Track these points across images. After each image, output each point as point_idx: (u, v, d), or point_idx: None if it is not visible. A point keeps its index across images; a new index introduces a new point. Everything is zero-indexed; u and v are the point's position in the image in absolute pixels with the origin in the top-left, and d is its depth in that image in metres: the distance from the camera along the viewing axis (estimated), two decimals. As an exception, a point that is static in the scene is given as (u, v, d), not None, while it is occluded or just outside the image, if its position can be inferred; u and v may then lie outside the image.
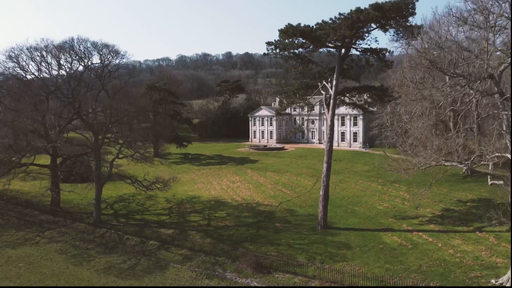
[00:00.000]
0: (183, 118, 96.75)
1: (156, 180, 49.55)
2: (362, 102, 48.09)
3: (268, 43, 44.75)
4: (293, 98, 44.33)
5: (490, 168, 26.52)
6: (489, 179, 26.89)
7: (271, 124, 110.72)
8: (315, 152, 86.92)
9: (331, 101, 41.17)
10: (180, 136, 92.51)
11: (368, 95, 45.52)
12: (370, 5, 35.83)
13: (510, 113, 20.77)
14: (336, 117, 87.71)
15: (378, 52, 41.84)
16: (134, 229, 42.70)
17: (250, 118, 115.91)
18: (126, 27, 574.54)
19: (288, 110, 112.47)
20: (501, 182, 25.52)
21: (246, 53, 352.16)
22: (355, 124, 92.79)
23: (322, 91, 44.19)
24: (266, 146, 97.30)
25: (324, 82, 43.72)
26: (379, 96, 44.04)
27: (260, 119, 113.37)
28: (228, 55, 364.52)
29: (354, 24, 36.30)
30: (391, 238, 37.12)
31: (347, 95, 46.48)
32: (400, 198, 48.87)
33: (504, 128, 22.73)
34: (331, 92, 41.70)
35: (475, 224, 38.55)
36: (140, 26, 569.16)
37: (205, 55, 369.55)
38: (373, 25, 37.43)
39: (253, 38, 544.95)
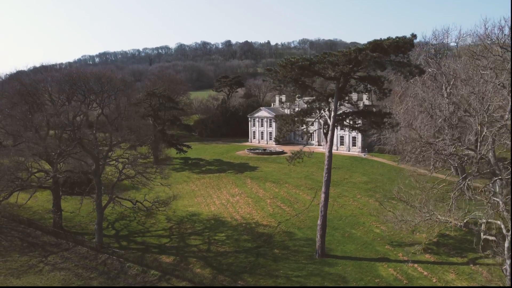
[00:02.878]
0: (183, 124, 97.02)
1: (157, 200, 50.33)
2: (360, 125, 48.44)
3: (268, 70, 45.07)
4: (291, 125, 44.60)
5: (483, 227, 27.11)
6: (482, 234, 27.50)
7: (270, 126, 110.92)
8: (314, 158, 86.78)
9: (329, 132, 41.50)
10: (180, 141, 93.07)
11: (365, 121, 45.83)
12: (369, 43, 35.93)
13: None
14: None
15: (377, 80, 41.95)
16: (135, 255, 43.54)
17: (249, 119, 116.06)
18: (125, 15, 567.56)
19: (287, 111, 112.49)
20: (494, 238, 26.14)
21: (246, 42, 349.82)
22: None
23: (320, 121, 44.45)
24: (265, 150, 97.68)
25: (322, 111, 43.96)
26: (377, 124, 44.29)
27: (260, 120, 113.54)
28: (228, 43, 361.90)
29: (352, 61, 36.39)
30: (387, 270, 37.93)
31: (346, 120, 46.79)
32: (397, 218, 49.50)
33: (501, 208, 23.20)
34: (329, 122, 41.99)
35: (470, 255, 39.35)
36: (139, 13, 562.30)
37: (204, 44, 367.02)
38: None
39: (253, 26, 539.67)
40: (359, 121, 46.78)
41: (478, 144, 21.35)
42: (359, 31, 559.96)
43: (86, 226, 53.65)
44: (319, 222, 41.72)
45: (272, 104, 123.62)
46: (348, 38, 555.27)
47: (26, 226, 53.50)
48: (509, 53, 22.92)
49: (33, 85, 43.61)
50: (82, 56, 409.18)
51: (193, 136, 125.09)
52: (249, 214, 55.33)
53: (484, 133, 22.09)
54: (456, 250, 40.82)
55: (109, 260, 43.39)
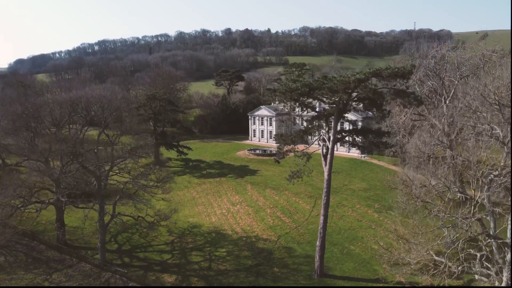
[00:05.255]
0: (183, 126, 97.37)
1: (158, 214, 51.00)
2: (360, 142, 48.87)
3: (268, 89, 45.25)
4: (291, 146, 44.96)
5: (477, 267, 27.76)
6: (476, 276, 28.18)
7: (270, 124, 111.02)
8: (313, 160, 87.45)
9: (329, 156, 41.89)
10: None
11: (363, 141, 46.21)
12: (368, 72, 35.98)
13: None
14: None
15: (376, 102, 42.12)
16: (138, 274, 44.46)
17: (250, 117, 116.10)
18: (125, 1, 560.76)
19: (287, 109, 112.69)
20: (487, 279, 26.80)
21: (246, 30, 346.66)
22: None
23: (319, 143, 44.79)
24: (265, 150, 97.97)
25: (322, 130, 44.28)
26: (375, 144, 44.64)
27: (260, 119, 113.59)
28: (228, 31, 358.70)
29: (351, 88, 36.58)
30: (384, 293, 38.87)
31: (346, 138, 47.13)
32: (395, 234, 50.21)
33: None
34: (328, 144, 42.34)
35: (466, 276, 40.11)
36: (139, 0, 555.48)
37: (204, 32, 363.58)
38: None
39: (254, 14, 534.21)
40: (359, 138, 47.15)
41: (473, 193, 21.83)
42: (360, 18, 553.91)
43: (89, 239, 54.46)
44: (318, 243, 42.44)
45: (272, 103, 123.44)
46: (349, 26, 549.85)
47: (30, 239, 54.33)
48: (509, 109, 23.15)
49: (34, 108, 44.05)
50: (81, 44, 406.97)
51: (194, 133, 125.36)
52: (250, 226, 56.13)
53: (477, 197, 22.56)
54: (452, 272, 41.46)
55: (112, 279, 44.30)
